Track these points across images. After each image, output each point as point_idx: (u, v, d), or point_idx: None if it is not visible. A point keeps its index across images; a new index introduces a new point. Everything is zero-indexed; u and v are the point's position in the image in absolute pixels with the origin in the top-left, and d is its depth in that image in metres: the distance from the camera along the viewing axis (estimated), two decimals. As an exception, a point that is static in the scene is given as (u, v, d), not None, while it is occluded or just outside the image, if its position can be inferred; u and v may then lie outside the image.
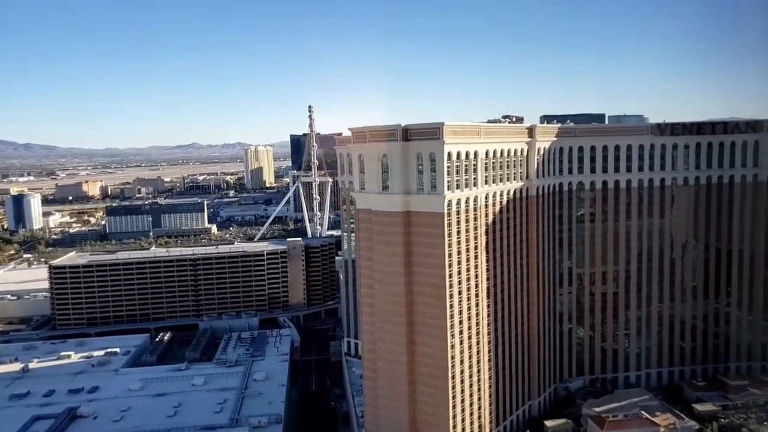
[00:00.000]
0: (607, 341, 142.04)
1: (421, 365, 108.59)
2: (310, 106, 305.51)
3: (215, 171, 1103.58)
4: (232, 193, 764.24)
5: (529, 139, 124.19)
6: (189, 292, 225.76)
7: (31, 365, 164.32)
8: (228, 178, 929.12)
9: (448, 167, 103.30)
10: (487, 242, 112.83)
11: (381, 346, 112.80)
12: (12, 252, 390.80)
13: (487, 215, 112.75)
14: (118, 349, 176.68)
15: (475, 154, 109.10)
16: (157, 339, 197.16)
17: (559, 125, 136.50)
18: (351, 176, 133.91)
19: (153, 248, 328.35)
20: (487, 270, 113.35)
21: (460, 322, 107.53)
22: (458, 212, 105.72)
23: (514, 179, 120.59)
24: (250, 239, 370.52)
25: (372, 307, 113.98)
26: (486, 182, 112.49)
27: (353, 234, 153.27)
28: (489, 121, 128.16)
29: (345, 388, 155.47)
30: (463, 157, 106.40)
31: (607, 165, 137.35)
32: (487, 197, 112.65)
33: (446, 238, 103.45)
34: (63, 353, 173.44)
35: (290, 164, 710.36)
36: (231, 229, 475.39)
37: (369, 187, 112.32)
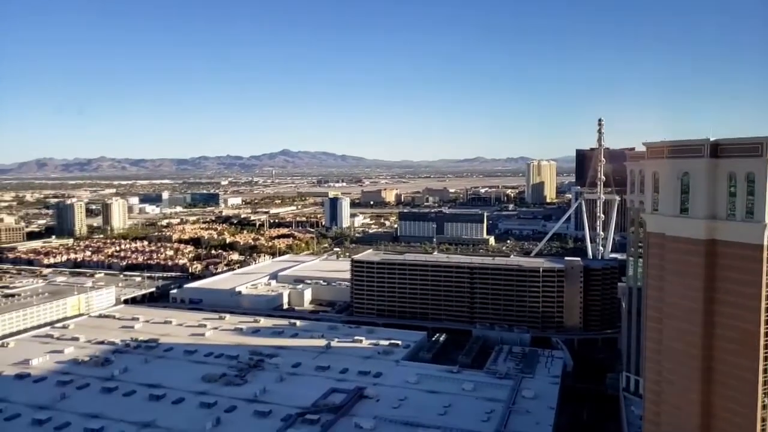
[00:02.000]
0: None
1: (719, 419, 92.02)
2: (600, 119, 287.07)
3: (496, 184, 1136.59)
4: (511, 206, 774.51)
5: None
6: (464, 299, 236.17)
7: (332, 343, 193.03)
8: (509, 191, 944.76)
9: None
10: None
11: (667, 390, 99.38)
12: (326, 245, 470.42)
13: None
14: (400, 342, 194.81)
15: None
16: (433, 338, 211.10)
17: None
18: (642, 195, 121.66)
19: (435, 253, 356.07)
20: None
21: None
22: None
23: None
24: (527, 254, 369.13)
25: (659, 343, 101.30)
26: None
27: (640, 259, 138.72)
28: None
29: (621, 427, 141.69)
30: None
31: None
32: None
33: (764, 276, 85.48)
34: (356, 337, 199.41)
35: (573, 180, 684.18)
36: (508, 241, 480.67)
37: (663, 209, 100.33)
